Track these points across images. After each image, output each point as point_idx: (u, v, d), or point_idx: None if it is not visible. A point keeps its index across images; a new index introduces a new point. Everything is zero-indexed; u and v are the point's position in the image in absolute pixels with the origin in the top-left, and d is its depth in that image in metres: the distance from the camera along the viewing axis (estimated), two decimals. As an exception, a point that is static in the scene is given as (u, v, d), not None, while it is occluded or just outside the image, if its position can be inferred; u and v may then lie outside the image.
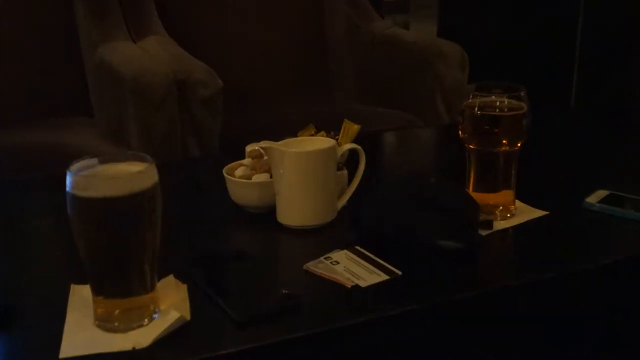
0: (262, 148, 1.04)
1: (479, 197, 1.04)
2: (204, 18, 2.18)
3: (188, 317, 0.81)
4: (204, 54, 1.91)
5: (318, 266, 0.93)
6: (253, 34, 2.21)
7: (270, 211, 1.08)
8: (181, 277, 0.90)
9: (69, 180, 0.76)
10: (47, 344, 0.77)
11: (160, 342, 0.77)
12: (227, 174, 1.12)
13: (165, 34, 2.04)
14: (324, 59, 2.22)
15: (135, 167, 0.79)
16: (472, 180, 1.09)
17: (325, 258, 0.95)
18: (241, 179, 1.10)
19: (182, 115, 1.70)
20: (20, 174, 1.53)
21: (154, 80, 1.71)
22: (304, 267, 0.93)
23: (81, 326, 0.80)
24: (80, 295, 0.85)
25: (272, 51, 2.20)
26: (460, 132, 1.08)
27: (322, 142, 1.08)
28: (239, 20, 2.20)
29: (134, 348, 0.76)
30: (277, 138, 1.08)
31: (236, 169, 1.13)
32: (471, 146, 1.07)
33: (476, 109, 1.05)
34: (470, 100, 1.06)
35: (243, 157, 1.18)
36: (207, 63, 1.81)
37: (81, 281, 0.85)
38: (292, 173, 1.03)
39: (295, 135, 1.15)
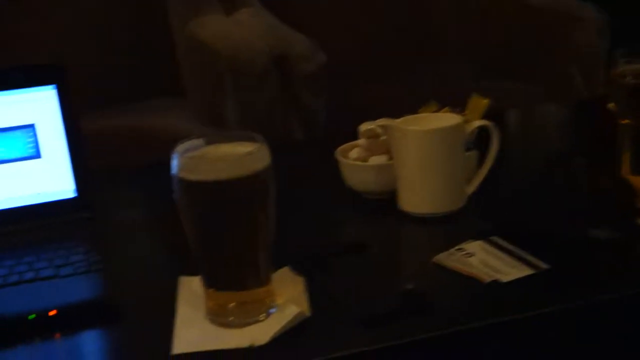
0: (380, 126, 1.04)
1: (636, 180, 1.01)
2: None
3: (307, 312, 0.82)
4: (302, 25, 1.91)
5: (450, 259, 0.92)
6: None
7: (390, 197, 1.08)
8: (297, 269, 0.91)
9: (175, 162, 0.78)
10: (157, 339, 0.80)
11: (279, 339, 0.78)
12: (341, 156, 1.13)
13: (259, 5, 2.06)
14: (442, 29, 2.18)
15: (245, 147, 0.81)
16: (626, 161, 1.05)
17: (457, 249, 0.94)
18: (357, 162, 1.11)
19: (283, 94, 1.72)
20: (112, 159, 1.59)
21: (250, 55, 1.73)
22: (434, 259, 0.92)
23: (193, 321, 0.83)
24: (190, 288, 0.88)
25: (381, 18, 2.18)
26: (609, 106, 1.04)
27: (448, 118, 1.07)
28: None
29: (251, 345, 0.77)
30: (391, 117, 1.07)
31: (350, 151, 1.14)
32: (625, 121, 1.03)
33: (629, 77, 1.01)
34: (619, 69, 1.03)
35: (353, 139, 1.19)
36: (306, 35, 1.82)
37: (190, 272, 0.88)
38: (416, 154, 1.03)
39: (416, 112, 1.15)
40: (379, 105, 1.75)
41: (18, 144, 1.00)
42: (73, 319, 0.84)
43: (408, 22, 2.17)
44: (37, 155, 1.01)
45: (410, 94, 1.58)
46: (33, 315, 0.83)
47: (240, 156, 0.79)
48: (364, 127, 1.22)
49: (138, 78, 2.02)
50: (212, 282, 0.82)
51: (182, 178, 0.78)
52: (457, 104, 1.18)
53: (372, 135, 1.16)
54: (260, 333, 0.79)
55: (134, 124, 1.81)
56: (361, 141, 1.16)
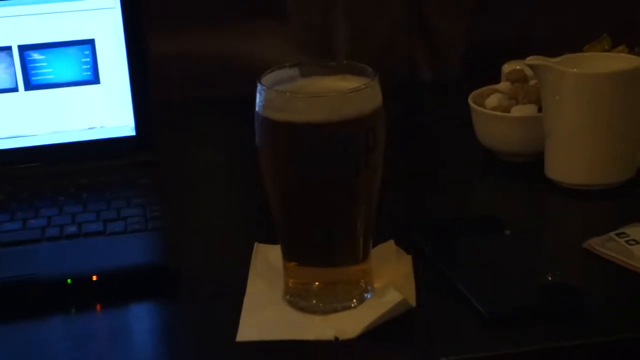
0: (530, 66, 0.99)
1: None
2: None
3: (413, 302, 0.78)
4: None
5: (606, 245, 0.87)
6: None
7: (535, 160, 1.03)
8: (405, 245, 0.88)
9: (259, 96, 0.75)
10: (220, 320, 0.79)
11: (372, 334, 0.75)
12: (475, 103, 1.08)
13: None
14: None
15: (350, 82, 0.77)
16: None
17: (617, 234, 0.88)
18: (496, 111, 1.06)
19: (409, 18, 1.67)
20: (189, 93, 1.59)
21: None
22: (585, 244, 0.87)
23: (266, 301, 0.80)
24: (266, 258, 0.86)
25: None
26: None
27: (623, 60, 1.00)
28: None
29: (336, 338, 0.74)
30: (547, 54, 1.02)
31: (488, 97, 1.09)
32: None
33: None
34: None
35: (497, 81, 1.14)
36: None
37: (269, 239, 0.86)
38: (576, 105, 0.97)
39: (580, 51, 1.09)
40: (535, 38, 1.68)
41: (72, 65, 1.00)
42: (118, 288, 0.83)
43: None
44: (94, 79, 1.00)
45: (578, 25, 1.50)
46: (70, 280, 0.83)
47: (342, 93, 0.74)
48: (509, 67, 1.16)
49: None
50: (294, 254, 0.80)
51: (266, 117, 0.74)
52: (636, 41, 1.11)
53: (519, 79, 1.11)
54: (349, 324, 0.76)
55: (220, 50, 1.80)
56: (503, 85, 1.11)
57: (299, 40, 1.92)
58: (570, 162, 0.99)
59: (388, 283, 0.82)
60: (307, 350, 0.74)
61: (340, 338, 0.75)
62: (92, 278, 0.83)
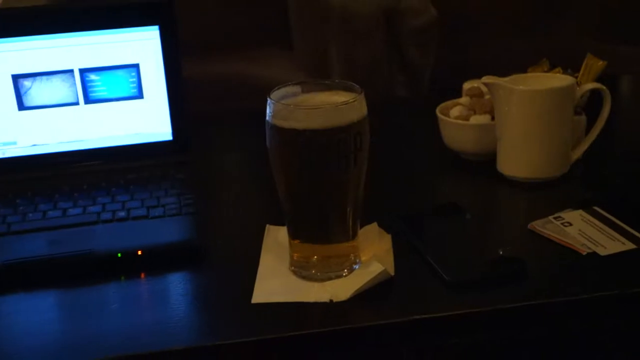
0: (485, 84, 0.98)
1: None
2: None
3: (392, 271, 0.78)
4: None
5: (546, 227, 0.86)
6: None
7: (489, 159, 1.01)
8: (385, 227, 0.87)
9: (269, 108, 0.75)
10: (239, 286, 0.78)
11: (360, 297, 0.75)
12: (441, 113, 1.07)
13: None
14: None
15: (341, 97, 0.77)
16: None
17: (554, 218, 0.87)
18: (457, 120, 1.05)
19: (389, 49, 1.66)
20: (215, 106, 1.58)
21: (361, 8, 1.68)
22: (529, 226, 0.86)
23: (275, 271, 0.80)
24: (276, 238, 0.85)
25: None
26: None
27: (558, 79, 0.99)
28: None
29: (331, 300, 0.74)
30: (499, 75, 1.00)
31: (451, 109, 1.08)
32: None
33: None
34: None
35: (459, 96, 1.13)
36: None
37: (277, 222, 0.86)
38: (521, 115, 0.95)
39: (525, 72, 1.08)
40: (486, 65, 1.68)
41: (121, 84, 0.98)
42: (158, 260, 0.82)
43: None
44: (139, 95, 0.99)
45: (522, 52, 1.49)
46: (120, 254, 0.82)
47: (335, 105, 0.74)
48: (468, 84, 1.15)
49: (246, 26, 2.00)
50: (297, 234, 0.79)
51: (274, 125, 0.74)
52: (571, 65, 1.10)
53: (476, 94, 1.09)
54: (341, 289, 0.75)
55: (237, 71, 1.79)
56: (464, 99, 1.10)
57: (301, 64, 1.92)
58: (517, 160, 0.98)
59: (372, 257, 0.81)
60: (308, 310, 0.74)
61: (335, 300, 0.75)
62: (137, 252, 0.82)
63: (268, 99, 0.75)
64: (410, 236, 0.85)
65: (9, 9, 0.94)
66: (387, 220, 0.88)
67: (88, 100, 0.98)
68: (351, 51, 1.73)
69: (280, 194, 0.78)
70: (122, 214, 0.89)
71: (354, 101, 0.74)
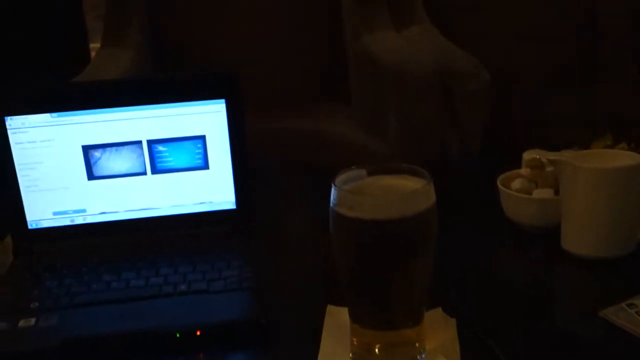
0: (550, 161, 0.85)
1: None
2: (470, 9, 1.98)
3: (459, 370, 0.65)
4: (469, 46, 1.72)
5: (619, 315, 0.72)
6: (520, 25, 1.95)
7: (551, 232, 0.88)
8: (448, 308, 0.74)
9: (333, 195, 0.63)
10: None
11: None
12: (502, 185, 0.94)
13: (429, 23, 1.88)
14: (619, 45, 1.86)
15: (409, 182, 0.65)
16: None
17: (628, 305, 0.73)
18: (520, 193, 0.92)
19: (443, 110, 1.54)
20: (277, 160, 1.48)
21: (416, 71, 1.56)
22: (601, 314, 0.73)
23: (335, 357, 0.68)
24: (337, 319, 0.72)
25: (537, 35, 1.91)
26: None
27: (625, 157, 0.85)
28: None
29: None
30: (545, 140, 0.87)
31: (512, 180, 0.95)
32: None
33: None
34: None
35: (512, 161, 1.00)
36: (473, 55, 1.62)
37: (339, 300, 0.73)
38: (587, 193, 0.82)
39: (585, 143, 0.94)
40: (534, 128, 1.54)
41: (188, 154, 0.88)
42: (217, 338, 0.71)
43: (568, 43, 1.87)
44: (204, 165, 0.89)
45: (578, 115, 1.35)
46: (178, 334, 0.71)
47: (403, 195, 0.62)
48: (528, 155, 1.02)
49: (306, 82, 1.90)
50: (358, 318, 0.67)
51: (339, 213, 0.62)
52: (632, 137, 0.96)
53: (537, 166, 0.96)
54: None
55: (298, 126, 1.69)
56: (524, 171, 0.97)
57: (359, 121, 1.81)
58: (583, 237, 0.84)
59: (437, 347, 0.68)
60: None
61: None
62: (196, 332, 0.71)
63: (332, 185, 0.63)
64: (473, 319, 0.72)
65: (78, 83, 0.85)
66: (449, 300, 0.75)
67: (155, 170, 0.88)
68: (407, 110, 1.61)
69: (341, 277, 0.66)
70: (183, 287, 0.78)
71: (424, 189, 0.62)
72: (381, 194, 0.63)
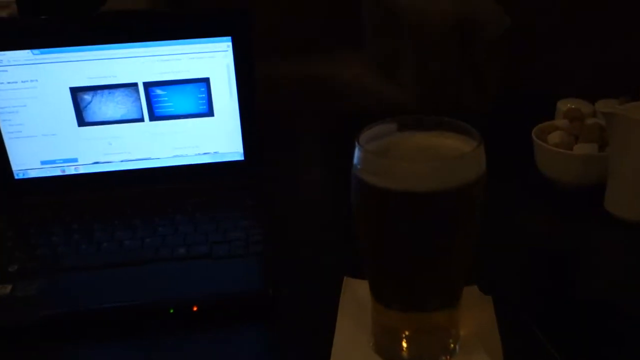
0: (602, 113, 0.65)
1: None
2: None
3: (502, 365, 0.48)
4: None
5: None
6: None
7: (592, 190, 0.69)
8: (485, 282, 0.56)
9: (357, 155, 0.44)
10: (312, 350, 0.50)
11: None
12: (538, 138, 0.75)
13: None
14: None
15: (451, 142, 0.45)
16: None
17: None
18: (559, 148, 0.73)
19: (461, 58, 1.33)
20: (288, 107, 1.29)
21: (437, 15, 1.34)
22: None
23: (354, 345, 0.50)
24: (355, 295, 0.55)
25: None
26: None
27: (687, 109, 0.66)
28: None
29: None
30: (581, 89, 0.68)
31: (549, 133, 0.75)
32: None
33: None
34: None
35: (532, 114, 0.80)
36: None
37: (358, 271, 0.56)
38: (644, 151, 0.63)
39: (628, 93, 0.74)
40: (562, 77, 1.33)
41: (190, 99, 0.69)
42: (217, 314, 0.54)
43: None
44: (208, 112, 0.69)
45: (601, 64, 1.14)
46: (172, 310, 0.54)
47: (447, 160, 0.43)
48: (564, 105, 0.82)
49: (320, 27, 1.67)
50: (383, 296, 0.49)
51: (363, 180, 0.43)
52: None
53: (577, 117, 0.76)
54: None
55: (311, 71, 1.48)
56: (562, 122, 0.77)
57: (373, 65, 1.60)
58: (632, 199, 0.65)
59: (474, 332, 0.51)
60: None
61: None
62: (192, 308, 0.54)
63: (356, 143, 0.44)
64: (512, 298, 0.55)
65: (65, 16, 0.65)
66: (487, 274, 0.57)
67: (154, 116, 0.69)
68: (423, 58, 1.40)
69: (363, 251, 0.48)
70: (182, 250, 0.60)
71: (474, 153, 0.42)
72: (418, 157, 0.44)
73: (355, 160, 0.43)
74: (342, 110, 1.38)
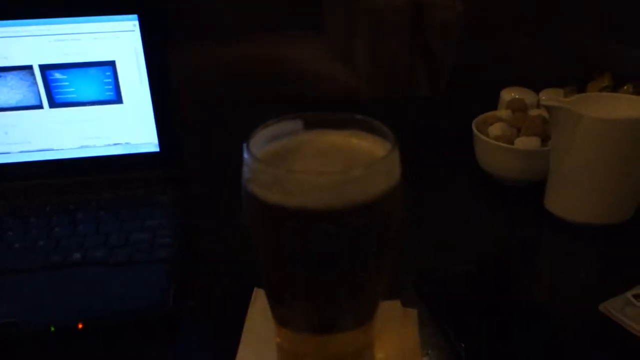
0: (545, 106, 0.58)
1: None
2: None
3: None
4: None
5: (625, 311, 0.47)
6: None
7: (532, 186, 0.63)
8: (409, 290, 0.49)
9: (246, 162, 0.35)
10: None
11: None
12: (479, 130, 0.68)
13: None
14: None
15: (363, 143, 0.37)
16: None
17: (634, 296, 0.49)
18: (499, 142, 0.65)
19: (414, 42, 1.25)
20: (241, 90, 1.20)
21: (390, 1, 1.26)
22: (600, 307, 0.48)
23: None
24: (264, 305, 0.46)
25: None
26: None
27: (635, 104, 0.59)
28: None
29: None
30: (527, 77, 0.61)
31: (491, 125, 0.68)
32: None
33: None
34: None
35: (480, 98, 0.73)
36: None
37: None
38: (588, 147, 0.56)
39: (573, 83, 0.67)
40: (510, 63, 1.26)
41: (94, 85, 0.59)
42: (103, 335, 0.46)
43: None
44: (116, 99, 0.60)
45: (546, 50, 1.07)
46: (53, 328, 0.46)
47: (350, 172, 0.33)
48: (507, 95, 0.75)
49: (274, 6, 1.56)
50: (286, 320, 0.41)
51: (253, 194, 0.34)
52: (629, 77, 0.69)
53: (520, 108, 0.69)
54: None
55: (263, 52, 1.38)
56: (504, 113, 0.70)
57: (330, 49, 1.51)
58: (574, 200, 0.58)
59: (393, 353, 0.43)
60: None
61: None
62: (77, 326, 0.45)
63: (245, 145, 0.35)
64: (437, 306, 0.48)
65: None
66: (409, 283, 0.50)
67: (54, 103, 0.59)
68: (377, 41, 1.32)
69: (262, 276, 0.39)
70: (77, 255, 0.51)
71: (385, 161, 0.34)
72: (319, 165, 0.35)
73: (245, 168, 0.35)
74: (292, 95, 1.29)
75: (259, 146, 0.36)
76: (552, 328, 0.46)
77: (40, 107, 0.59)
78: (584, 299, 0.50)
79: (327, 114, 0.39)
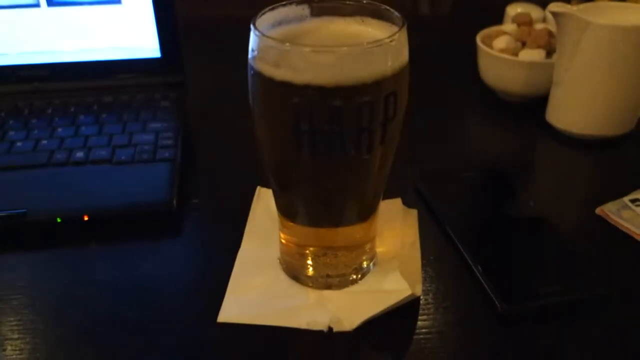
0: (552, 13, 0.56)
1: None
2: None
3: (418, 289, 0.40)
4: None
5: (622, 215, 0.48)
6: None
7: (535, 102, 0.62)
8: (410, 194, 0.50)
9: (253, 41, 0.35)
10: (217, 267, 0.42)
11: (368, 325, 0.38)
12: (483, 43, 0.66)
13: None
14: None
15: (370, 28, 0.37)
16: None
17: (632, 201, 0.49)
18: (504, 54, 0.64)
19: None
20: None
21: None
22: (598, 211, 0.48)
23: (259, 258, 0.43)
24: (268, 206, 0.47)
25: None
26: None
27: (644, 12, 0.57)
28: None
29: (330, 329, 0.38)
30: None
31: (495, 38, 0.67)
32: None
33: None
34: None
35: (485, 14, 0.71)
36: None
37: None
38: (595, 56, 0.55)
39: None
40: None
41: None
42: (108, 227, 0.46)
43: None
44: (115, -1, 0.59)
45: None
46: (59, 219, 0.46)
47: (360, 48, 0.33)
48: (512, 10, 0.73)
49: None
50: (290, 212, 0.41)
51: (259, 72, 0.34)
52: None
53: (525, 22, 0.68)
54: (345, 311, 0.38)
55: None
56: (510, 27, 0.68)
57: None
58: (578, 112, 0.57)
59: (393, 249, 0.44)
60: (294, 337, 0.38)
61: (335, 329, 0.37)
62: (83, 218, 0.45)
63: (252, 26, 0.34)
64: (439, 207, 0.48)
65: None
66: (413, 183, 0.50)
67: (52, 2, 0.57)
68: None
69: (266, 164, 0.39)
70: (80, 154, 0.51)
71: (392, 41, 0.33)
72: (327, 44, 0.35)
73: (251, 46, 0.34)
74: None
75: (265, 29, 0.35)
76: (552, 229, 0.46)
77: (37, 5, 0.57)
78: (582, 204, 0.50)
79: (336, 2, 0.38)
